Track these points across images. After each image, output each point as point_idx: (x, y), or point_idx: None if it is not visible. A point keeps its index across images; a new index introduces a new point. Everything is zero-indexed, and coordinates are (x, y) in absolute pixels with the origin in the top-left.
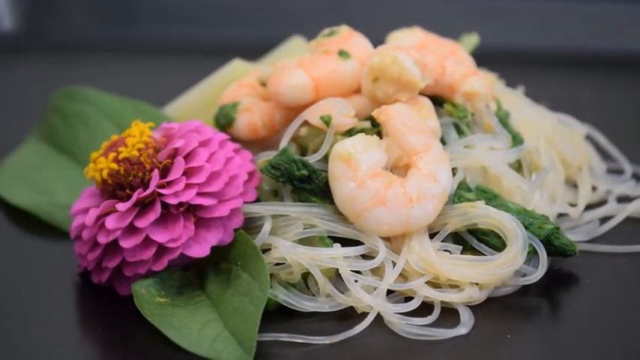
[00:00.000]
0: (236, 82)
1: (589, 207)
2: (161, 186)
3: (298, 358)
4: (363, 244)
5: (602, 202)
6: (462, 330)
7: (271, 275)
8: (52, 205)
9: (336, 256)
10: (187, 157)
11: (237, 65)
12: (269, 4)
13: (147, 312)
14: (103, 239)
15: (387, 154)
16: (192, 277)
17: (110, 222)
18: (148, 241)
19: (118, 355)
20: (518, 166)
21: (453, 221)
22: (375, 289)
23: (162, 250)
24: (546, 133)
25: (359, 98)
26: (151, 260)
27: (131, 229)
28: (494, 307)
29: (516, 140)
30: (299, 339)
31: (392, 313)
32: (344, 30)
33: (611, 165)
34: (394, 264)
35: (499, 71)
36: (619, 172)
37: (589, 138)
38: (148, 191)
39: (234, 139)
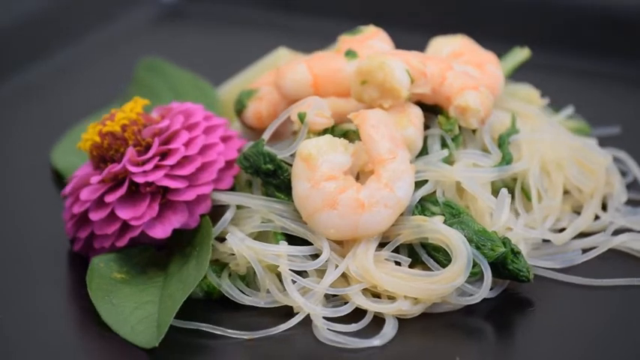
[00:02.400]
0: (270, 71)
1: (585, 235)
2: (136, 163)
3: (208, 349)
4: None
5: (594, 232)
6: (375, 342)
7: (226, 265)
8: None
9: (280, 253)
10: (169, 138)
11: (281, 53)
12: None
13: (92, 286)
14: (76, 209)
15: (355, 159)
16: (162, 257)
17: (84, 193)
18: (112, 216)
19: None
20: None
21: (405, 233)
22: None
23: (126, 226)
24: (556, 157)
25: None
26: (114, 235)
27: (100, 203)
28: (434, 324)
29: (504, 160)
30: (218, 331)
31: (319, 316)
32: (369, 30)
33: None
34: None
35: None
36: None
37: (620, 164)
38: (119, 167)
39: (247, 126)
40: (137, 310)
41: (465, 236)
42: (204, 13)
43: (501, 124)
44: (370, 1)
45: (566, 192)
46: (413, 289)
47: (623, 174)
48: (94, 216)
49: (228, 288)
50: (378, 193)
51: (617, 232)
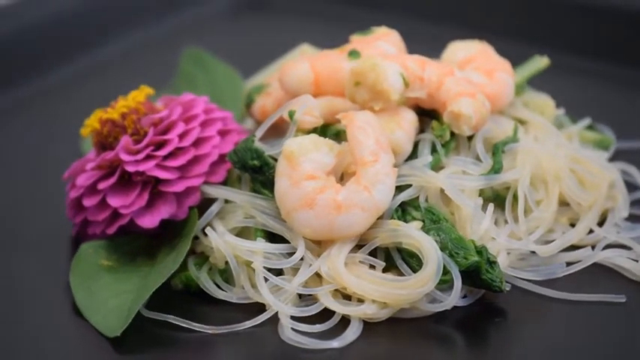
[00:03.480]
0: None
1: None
2: (130, 152)
3: (172, 340)
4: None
5: (585, 246)
6: (334, 344)
7: (208, 258)
8: None
9: (256, 250)
10: (166, 129)
11: (304, 49)
12: None
13: (74, 271)
14: (72, 194)
15: (340, 159)
16: (154, 247)
17: (80, 179)
18: (104, 204)
19: None
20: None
21: (382, 236)
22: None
23: (116, 214)
24: (555, 168)
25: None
26: (105, 222)
27: (93, 189)
28: (401, 329)
29: (492, 169)
30: (185, 324)
31: (286, 315)
32: (380, 30)
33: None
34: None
35: None
36: None
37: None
38: (112, 154)
39: (255, 121)
40: (113, 298)
41: (440, 243)
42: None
43: (504, 132)
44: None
45: (566, 204)
46: (381, 293)
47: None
48: (87, 202)
49: (205, 281)
50: (356, 195)
51: (607, 247)
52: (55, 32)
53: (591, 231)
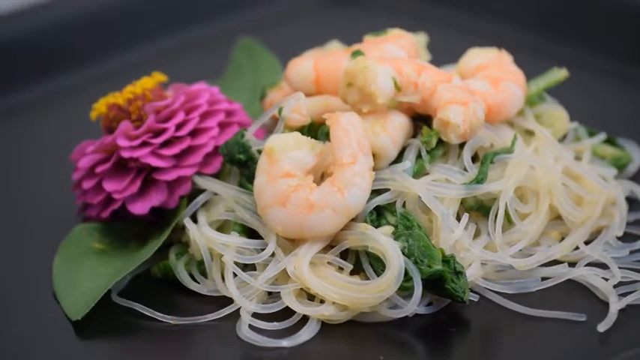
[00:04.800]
0: None
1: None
2: (129, 138)
3: (133, 328)
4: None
5: (560, 262)
6: (284, 343)
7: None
8: None
9: (228, 243)
10: (167, 117)
11: (333, 46)
12: None
13: (61, 252)
14: (75, 175)
15: (321, 159)
16: (148, 233)
17: (82, 161)
18: (99, 187)
19: None
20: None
21: (351, 239)
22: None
23: (110, 199)
24: (548, 182)
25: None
26: (100, 206)
27: (91, 173)
28: (360, 333)
29: (474, 179)
30: (149, 313)
31: (246, 311)
32: (393, 32)
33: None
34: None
35: None
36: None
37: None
38: (109, 139)
39: None
40: (90, 281)
41: (407, 249)
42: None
43: (503, 142)
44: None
45: (560, 218)
46: (340, 296)
47: None
48: (86, 184)
49: (180, 271)
50: (328, 196)
51: (589, 265)
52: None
53: (577, 247)
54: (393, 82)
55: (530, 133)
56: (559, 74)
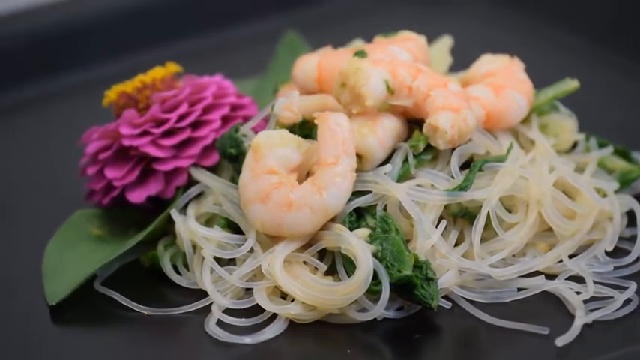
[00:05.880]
0: None
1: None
2: (132, 126)
3: (107, 316)
4: None
5: (539, 274)
6: (246, 339)
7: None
8: None
9: (210, 237)
10: (172, 108)
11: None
12: None
13: (57, 236)
14: (82, 161)
15: (307, 158)
16: (147, 222)
17: (89, 147)
18: (100, 174)
19: None
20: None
21: (327, 239)
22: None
23: (110, 186)
24: (539, 193)
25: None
26: (101, 192)
27: (95, 159)
28: (327, 334)
29: (457, 187)
30: (124, 302)
31: (217, 305)
32: (402, 35)
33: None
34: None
35: None
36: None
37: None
38: (113, 126)
39: None
40: (77, 268)
41: (380, 253)
42: None
43: (501, 150)
44: None
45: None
46: (308, 296)
47: None
48: (90, 170)
49: (165, 262)
50: (308, 195)
51: (570, 278)
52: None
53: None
54: (385, 85)
55: (533, 143)
56: (569, 85)
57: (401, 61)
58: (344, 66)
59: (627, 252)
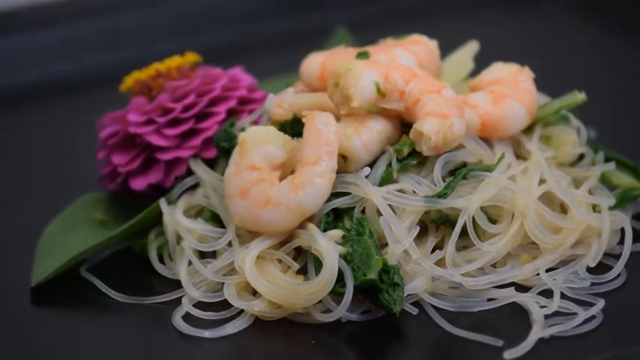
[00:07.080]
0: None
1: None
2: (141, 113)
3: (82, 300)
4: None
5: (510, 285)
6: (205, 333)
7: None
8: None
9: (192, 229)
10: (180, 98)
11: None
12: None
13: (60, 218)
14: (98, 144)
15: (292, 156)
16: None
17: (103, 132)
18: (108, 160)
19: None
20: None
21: (301, 239)
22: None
23: (115, 172)
24: (524, 205)
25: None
26: (108, 177)
27: (105, 145)
28: (291, 332)
29: (436, 194)
30: (104, 289)
31: (188, 298)
32: (411, 38)
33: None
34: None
35: None
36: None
37: None
38: (121, 113)
39: None
40: (68, 251)
41: (349, 255)
42: None
43: (493, 159)
44: None
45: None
46: (274, 294)
47: None
48: (100, 154)
49: (151, 251)
50: (285, 193)
51: (543, 292)
52: None
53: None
54: (375, 87)
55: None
56: (576, 97)
57: (397, 64)
58: (337, 66)
59: (609, 267)
